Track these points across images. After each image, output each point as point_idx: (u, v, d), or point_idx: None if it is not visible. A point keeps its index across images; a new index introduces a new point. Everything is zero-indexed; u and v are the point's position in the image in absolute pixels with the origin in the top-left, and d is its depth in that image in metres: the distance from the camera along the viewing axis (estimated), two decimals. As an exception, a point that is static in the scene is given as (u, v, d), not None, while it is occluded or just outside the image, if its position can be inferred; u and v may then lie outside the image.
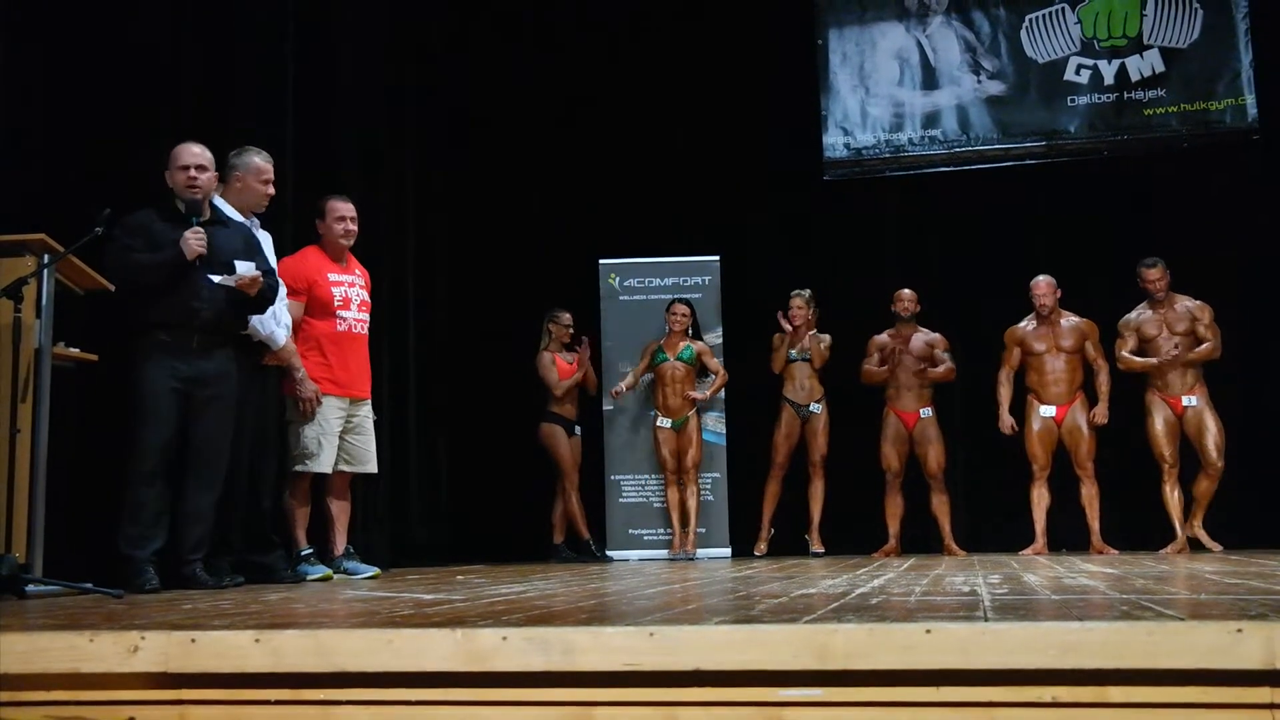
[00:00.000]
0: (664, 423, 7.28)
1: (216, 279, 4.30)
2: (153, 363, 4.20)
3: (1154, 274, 6.53)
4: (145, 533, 4.10)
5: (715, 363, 7.40)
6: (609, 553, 7.37)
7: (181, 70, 5.39)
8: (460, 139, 8.05)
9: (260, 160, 4.72)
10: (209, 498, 4.38)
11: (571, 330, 7.49)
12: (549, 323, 7.46)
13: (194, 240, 4.21)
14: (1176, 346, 6.42)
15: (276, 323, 4.75)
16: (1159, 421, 6.52)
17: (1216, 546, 6.32)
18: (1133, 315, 6.67)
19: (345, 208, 5.23)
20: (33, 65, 4.82)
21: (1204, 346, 6.47)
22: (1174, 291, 6.58)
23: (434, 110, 7.77)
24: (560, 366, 7.39)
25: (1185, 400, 6.48)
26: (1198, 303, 6.54)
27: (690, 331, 7.33)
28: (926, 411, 7.10)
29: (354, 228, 5.24)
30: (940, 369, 7.08)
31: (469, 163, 8.08)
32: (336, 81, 6.59)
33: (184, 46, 5.43)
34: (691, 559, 6.93)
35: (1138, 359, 6.58)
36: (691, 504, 7.27)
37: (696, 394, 7.25)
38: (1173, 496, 6.51)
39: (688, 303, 7.39)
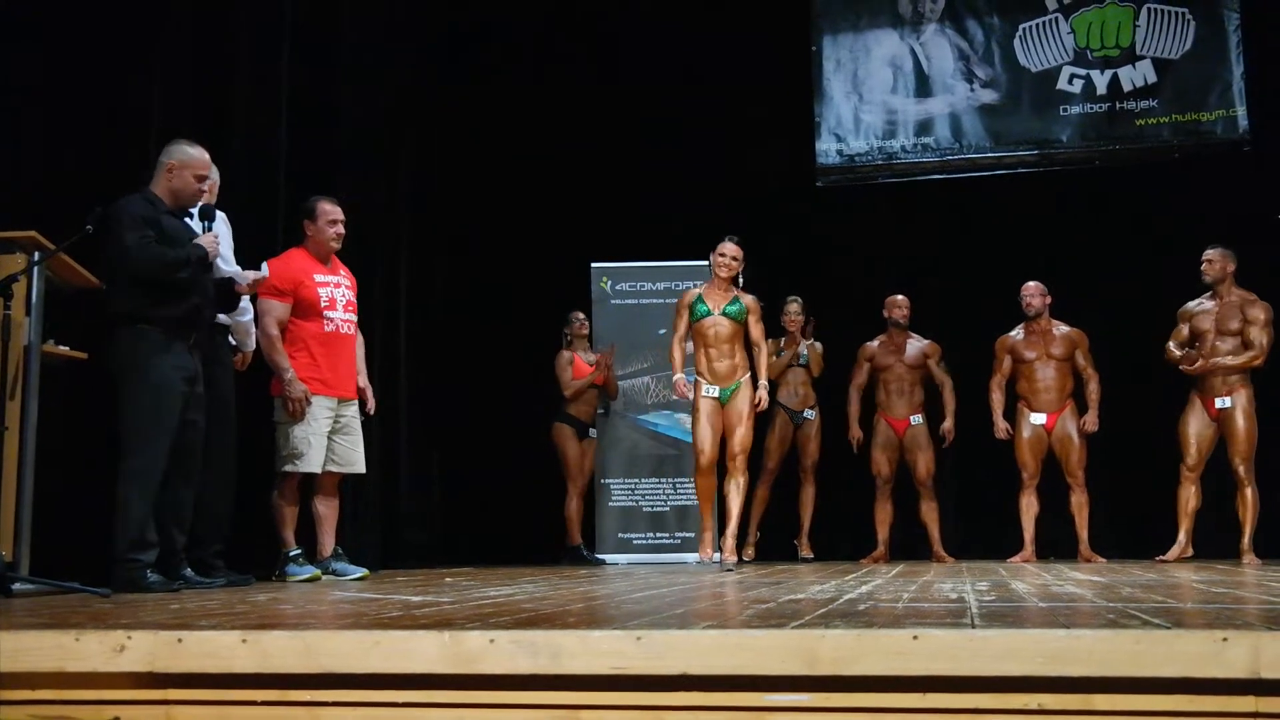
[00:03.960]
0: (710, 390, 5.83)
1: (227, 272, 4.43)
2: (160, 361, 4.13)
3: (1205, 255, 6.38)
4: (150, 537, 4.07)
5: (760, 329, 5.99)
6: (599, 556, 7.36)
7: (175, 68, 5.38)
8: (455, 141, 8.04)
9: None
10: (220, 493, 4.53)
11: (587, 325, 7.50)
12: (565, 325, 7.48)
13: (213, 245, 4.27)
14: (1220, 354, 6.22)
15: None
16: (1190, 420, 6.35)
17: (1253, 560, 6.06)
18: (1192, 304, 6.49)
19: (336, 210, 5.22)
20: (25, 63, 4.81)
21: (1245, 354, 6.23)
22: (1238, 288, 6.38)
23: (430, 112, 7.78)
24: (578, 366, 7.39)
25: (1219, 402, 6.29)
26: (1259, 302, 6.30)
27: (739, 281, 6.01)
28: (917, 419, 7.12)
29: (344, 230, 5.23)
30: (950, 404, 7.06)
31: (464, 163, 8.07)
32: (332, 82, 6.59)
33: (179, 44, 5.42)
34: (730, 570, 5.36)
35: (1176, 353, 6.42)
36: (734, 500, 5.83)
37: (760, 388, 5.89)
38: (1185, 499, 6.34)
39: (740, 244, 6.03)
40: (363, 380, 5.35)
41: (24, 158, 4.76)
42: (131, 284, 4.12)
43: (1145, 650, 1.75)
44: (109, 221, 4.08)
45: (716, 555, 5.91)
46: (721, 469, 5.95)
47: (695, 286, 6.09)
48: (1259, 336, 6.27)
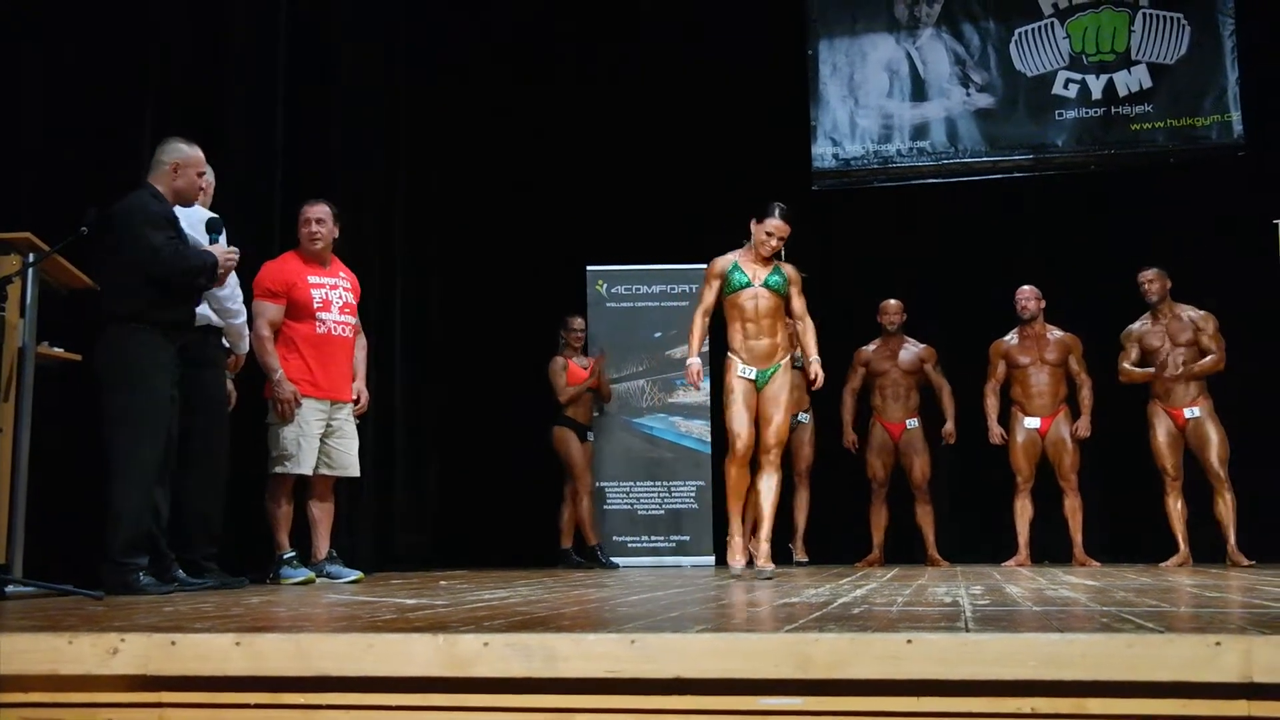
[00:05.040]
0: (745, 371, 4.99)
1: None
2: (154, 363, 4.14)
3: (1145, 275, 6.53)
4: (143, 539, 4.07)
5: (803, 303, 5.18)
6: (613, 559, 7.34)
7: (172, 69, 5.38)
8: (451, 143, 8.04)
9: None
10: (211, 495, 4.55)
11: (583, 335, 7.49)
12: (562, 328, 7.47)
13: (227, 257, 4.30)
14: (1183, 363, 6.39)
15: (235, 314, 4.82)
16: (1161, 433, 6.48)
17: (1245, 562, 6.20)
18: (1135, 326, 6.64)
19: (310, 211, 5.19)
20: (22, 64, 4.80)
21: (1207, 359, 6.41)
22: (1176, 302, 6.55)
23: (427, 115, 7.77)
24: (572, 372, 7.38)
25: (1187, 412, 6.42)
26: (1201, 313, 6.50)
27: (781, 255, 5.18)
28: (913, 423, 7.13)
29: (319, 230, 5.16)
30: (949, 407, 7.12)
31: (460, 165, 8.07)
32: (329, 85, 6.59)
33: (176, 45, 5.41)
34: (769, 577, 4.73)
35: (1138, 370, 6.55)
36: (768, 499, 4.97)
37: (813, 367, 5.15)
38: (1175, 509, 6.45)
39: (789, 220, 5.08)
40: (359, 384, 5.34)
41: (19, 158, 4.75)
42: (141, 284, 4.11)
43: (1139, 654, 1.76)
44: (123, 219, 4.08)
45: (742, 560, 5.09)
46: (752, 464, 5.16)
47: (734, 254, 5.17)
48: (1213, 343, 6.44)
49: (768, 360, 5.01)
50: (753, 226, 5.09)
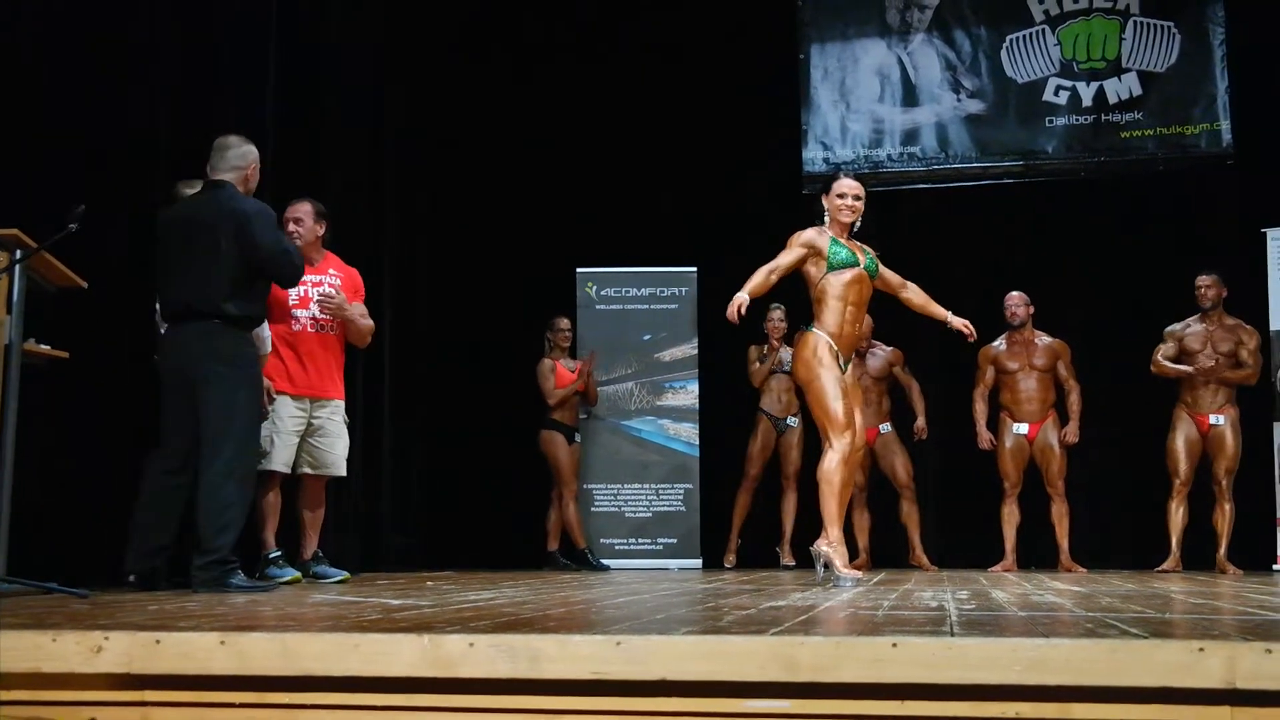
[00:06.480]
0: (838, 357, 4.62)
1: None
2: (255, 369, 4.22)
3: (1203, 280, 6.51)
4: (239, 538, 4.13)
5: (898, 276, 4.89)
6: (604, 561, 7.32)
7: (161, 67, 5.36)
8: (442, 144, 8.03)
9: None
10: None
11: (569, 336, 7.48)
12: (548, 330, 7.45)
13: None
14: (1217, 361, 6.41)
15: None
16: (1180, 437, 6.50)
17: (1232, 571, 6.25)
18: (1178, 325, 6.63)
19: (289, 211, 5.16)
20: (11, 62, 4.78)
21: (1241, 370, 6.44)
22: (1226, 311, 6.54)
23: (416, 118, 7.76)
24: (560, 374, 7.36)
25: (1213, 419, 6.45)
26: (1248, 327, 6.51)
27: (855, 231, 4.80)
28: (886, 427, 7.13)
29: (296, 230, 5.11)
30: (919, 404, 7.13)
31: (450, 168, 8.06)
32: (320, 85, 6.57)
33: (166, 46, 5.40)
34: (849, 583, 4.40)
35: (1171, 365, 6.53)
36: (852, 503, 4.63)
37: (956, 319, 5.01)
38: (1177, 514, 6.48)
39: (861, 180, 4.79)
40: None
41: (13, 157, 4.73)
42: (256, 286, 4.18)
43: (1122, 660, 1.76)
44: (244, 221, 4.09)
45: (855, 571, 4.64)
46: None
47: (817, 226, 4.72)
48: (1251, 359, 6.45)
49: (851, 350, 4.69)
50: (825, 200, 4.71)
